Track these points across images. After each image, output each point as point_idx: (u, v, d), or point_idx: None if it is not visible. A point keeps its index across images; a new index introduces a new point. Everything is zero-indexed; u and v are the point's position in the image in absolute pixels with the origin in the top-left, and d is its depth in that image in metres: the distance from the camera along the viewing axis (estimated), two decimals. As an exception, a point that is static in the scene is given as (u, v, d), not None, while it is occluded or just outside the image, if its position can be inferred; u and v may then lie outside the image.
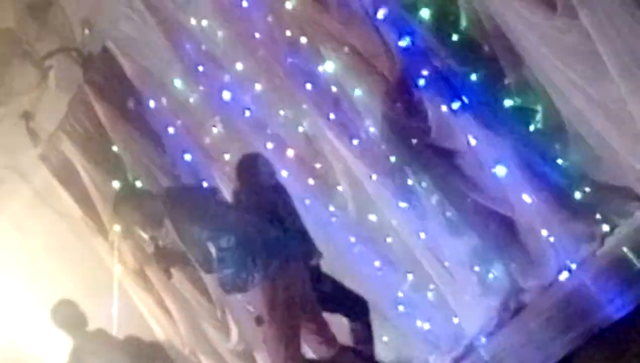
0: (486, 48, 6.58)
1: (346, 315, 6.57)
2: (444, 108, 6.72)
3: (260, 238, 6.03)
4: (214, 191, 6.89)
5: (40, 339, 9.53)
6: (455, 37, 6.73)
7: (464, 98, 6.64)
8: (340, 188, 7.62)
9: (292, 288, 5.96)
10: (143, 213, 6.06)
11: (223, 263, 5.97)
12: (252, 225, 6.14)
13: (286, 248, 6.06)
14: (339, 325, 6.54)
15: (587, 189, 6.39)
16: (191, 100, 8.09)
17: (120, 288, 8.24)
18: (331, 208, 7.69)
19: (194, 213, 6.06)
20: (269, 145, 7.67)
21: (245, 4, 7.42)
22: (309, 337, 6.20)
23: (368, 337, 6.57)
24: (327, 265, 6.65)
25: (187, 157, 8.18)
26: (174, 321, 8.60)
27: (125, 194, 6.67)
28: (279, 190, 6.60)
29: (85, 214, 8.64)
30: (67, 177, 8.75)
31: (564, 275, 6.47)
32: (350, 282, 7.12)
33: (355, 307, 6.59)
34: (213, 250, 6.02)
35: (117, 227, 7.56)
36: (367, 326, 6.59)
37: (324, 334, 6.21)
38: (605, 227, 6.35)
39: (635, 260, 5.58)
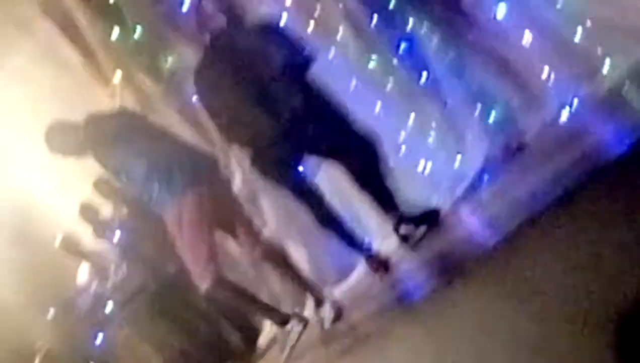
0: None
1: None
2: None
3: (165, 165, 6.38)
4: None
5: (45, 187, 9.66)
6: None
7: None
8: (340, 32, 7.58)
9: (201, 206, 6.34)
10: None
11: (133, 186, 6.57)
12: (164, 151, 6.48)
13: (192, 171, 6.41)
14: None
15: (589, 26, 6.37)
16: None
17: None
18: (332, 51, 7.67)
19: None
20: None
21: None
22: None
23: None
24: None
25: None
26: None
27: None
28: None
29: (87, 63, 8.63)
30: (68, 27, 8.70)
31: (564, 113, 6.47)
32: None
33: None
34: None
35: (118, 74, 7.52)
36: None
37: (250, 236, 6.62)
38: (607, 64, 6.34)
39: (635, 97, 5.63)
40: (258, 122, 6.26)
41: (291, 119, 6.23)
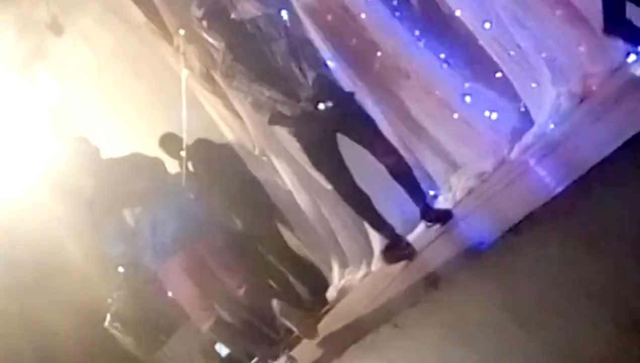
0: None
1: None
2: None
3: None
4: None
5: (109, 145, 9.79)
6: None
7: None
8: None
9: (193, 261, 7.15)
10: None
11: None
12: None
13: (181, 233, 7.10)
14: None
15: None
16: None
17: (189, 93, 8.33)
18: (394, 2, 7.67)
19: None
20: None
21: None
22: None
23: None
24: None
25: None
26: (243, 122, 8.63)
27: None
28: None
29: (150, 21, 8.70)
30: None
31: (631, 58, 6.36)
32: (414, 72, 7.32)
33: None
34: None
35: (181, 31, 7.56)
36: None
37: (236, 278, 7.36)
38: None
39: None
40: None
41: None
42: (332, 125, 6.49)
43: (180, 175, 8.20)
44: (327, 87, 6.53)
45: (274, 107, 6.45)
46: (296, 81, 6.45)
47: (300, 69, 6.46)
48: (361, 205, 6.74)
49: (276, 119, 6.57)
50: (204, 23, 6.62)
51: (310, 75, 6.44)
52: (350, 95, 6.73)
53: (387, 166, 6.64)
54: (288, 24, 7.01)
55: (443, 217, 6.70)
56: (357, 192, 6.62)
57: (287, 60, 6.49)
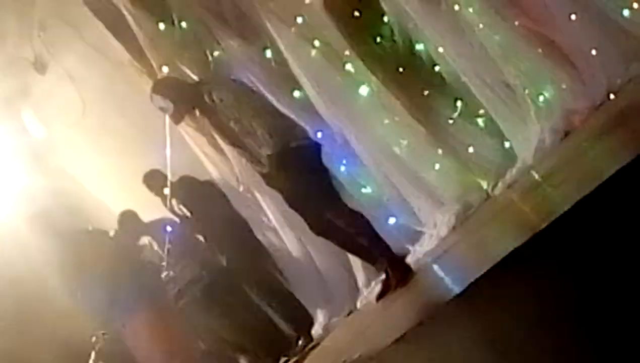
0: None
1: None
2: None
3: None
4: None
5: (93, 183, 9.82)
6: None
7: None
8: (385, 18, 7.65)
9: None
10: None
11: None
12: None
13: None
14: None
15: (636, 6, 6.37)
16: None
17: (173, 130, 8.34)
18: (378, 38, 7.74)
19: None
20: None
21: None
22: None
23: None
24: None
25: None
26: (227, 159, 8.65)
27: None
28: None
29: (134, 59, 8.74)
30: (116, 25, 8.82)
31: (613, 96, 6.50)
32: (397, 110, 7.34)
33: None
34: None
35: (165, 69, 7.60)
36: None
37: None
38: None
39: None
40: None
41: None
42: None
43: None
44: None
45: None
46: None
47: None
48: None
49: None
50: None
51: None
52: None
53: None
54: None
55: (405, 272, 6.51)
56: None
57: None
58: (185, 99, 6.69)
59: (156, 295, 7.30)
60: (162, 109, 6.70)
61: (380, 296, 6.45)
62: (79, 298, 7.55)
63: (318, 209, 6.54)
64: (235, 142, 6.58)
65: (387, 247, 6.56)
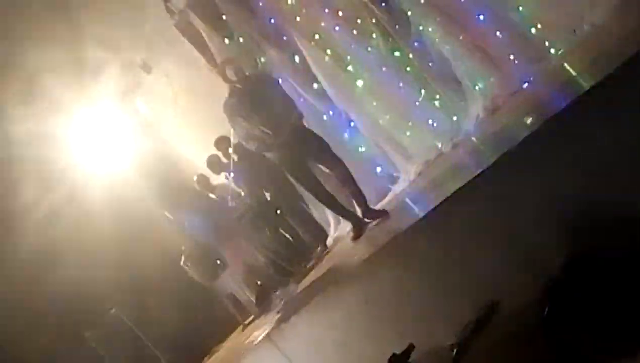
0: None
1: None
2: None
3: None
4: None
5: (182, 146, 9.87)
6: None
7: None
8: (374, 35, 7.59)
9: None
10: None
11: None
12: None
13: None
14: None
15: (539, 26, 6.38)
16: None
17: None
18: (369, 48, 7.71)
19: None
20: (325, 9, 7.68)
21: None
22: None
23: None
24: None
25: (272, 20, 8.23)
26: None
27: None
28: None
29: (209, 63, 8.72)
30: (196, 40, 8.80)
31: (525, 85, 6.50)
32: (382, 96, 7.38)
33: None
34: None
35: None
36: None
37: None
38: (552, 50, 6.35)
39: (573, 72, 5.61)
40: None
41: None
42: (301, 152, 6.55)
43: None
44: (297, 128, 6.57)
45: (261, 139, 6.48)
46: (278, 122, 6.45)
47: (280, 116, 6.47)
48: (329, 201, 6.78)
49: (262, 148, 6.62)
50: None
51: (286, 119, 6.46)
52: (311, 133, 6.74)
53: (337, 177, 6.65)
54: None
55: (381, 215, 6.54)
56: (324, 191, 6.68)
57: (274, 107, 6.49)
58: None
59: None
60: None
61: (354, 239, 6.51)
62: (176, 220, 7.64)
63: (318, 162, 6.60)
64: None
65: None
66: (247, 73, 6.83)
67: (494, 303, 3.84)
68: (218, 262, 8.64)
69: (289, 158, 6.55)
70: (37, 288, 8.79)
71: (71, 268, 8.83)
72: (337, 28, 7.67)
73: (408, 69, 7.51)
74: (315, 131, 6.86)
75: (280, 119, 6.48)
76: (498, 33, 6.56)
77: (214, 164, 8.57)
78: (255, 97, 6.52)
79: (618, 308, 3.24)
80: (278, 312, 6.93)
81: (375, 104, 7.80)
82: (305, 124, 6.85)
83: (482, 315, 3.88)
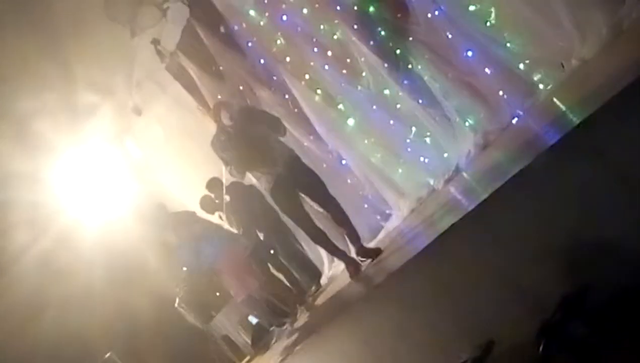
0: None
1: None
2: (429, 14, 6.73)
3: None
4: None
5: (174, 187, 9.83)
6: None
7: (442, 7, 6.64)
8: (364, 74, 7.66)
9: None
10: None
11: None
12: None
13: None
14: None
15: (527, 62, 6.41)
16: (261, 22, 8.12)
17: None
18: (359, 87, 7.75)
19: None
20: (315, 49, 7.74)
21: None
22: None
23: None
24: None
25: (262, 60, 8.28)
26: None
27: None
28: None
29: (201, 105, 8.76)
30: (188, 83, 8.84)
31: (515, 120, 6.50)
32: (373, 134, 7.35)
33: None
34: None
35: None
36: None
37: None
38: (541, 85, 6.35)
39: (562, 107, 5.61)
40: None
41: None
42: (294, 187, 6.47)
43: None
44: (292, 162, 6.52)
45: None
46: (272, 157, 6.41)
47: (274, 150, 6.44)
48: (319, 238, 6.67)
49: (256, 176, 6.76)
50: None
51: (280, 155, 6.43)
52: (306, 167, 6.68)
53: (330, 216, 6.59)
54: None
55: (375, 254, 6.40)
56: (316, 229, 6.59)
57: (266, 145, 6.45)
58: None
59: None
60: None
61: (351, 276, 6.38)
62: (176, 255, 7.68)
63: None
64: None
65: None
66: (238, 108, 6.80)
67: (490, 342, 3.79)
68: (217, 294, 8.55)
69: (280, 188, 6.44)
70: (31, 331, 8.68)
71: (65, 313, 8.74)
72: (326, 67, 7.71)
73: (398, 106, 7.53)
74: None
75: (274, 153, 6.46)
76: (487, 69, 6.56)
77: (208, 204, 8.56)
78: (248, 132, 6.47)
79: (615, 345, 3.21)
80: (274, 353, 6.84)
81: (366, 142, 7.82)
82: (300, 158, 6.83)
83: (477, 356, 3.82)
